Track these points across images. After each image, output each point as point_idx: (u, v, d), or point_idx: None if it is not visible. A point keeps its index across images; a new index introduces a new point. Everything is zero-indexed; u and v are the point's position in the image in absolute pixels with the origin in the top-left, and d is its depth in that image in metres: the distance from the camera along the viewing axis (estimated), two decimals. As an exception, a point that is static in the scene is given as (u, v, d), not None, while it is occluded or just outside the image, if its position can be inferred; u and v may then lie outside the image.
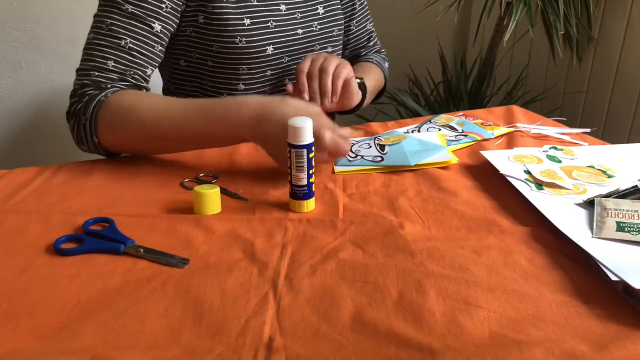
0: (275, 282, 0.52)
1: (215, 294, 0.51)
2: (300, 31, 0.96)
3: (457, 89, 2.06)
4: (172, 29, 0.87)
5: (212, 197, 0.65)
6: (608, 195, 0.65)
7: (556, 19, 1.65)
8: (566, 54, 1.83)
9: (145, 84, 0.85)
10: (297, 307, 0.49)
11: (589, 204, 0.65)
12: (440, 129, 0.91)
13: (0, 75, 1.57)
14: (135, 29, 0.81)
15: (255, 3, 0.90)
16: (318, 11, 0.99)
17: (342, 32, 1.05)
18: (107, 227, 0.62)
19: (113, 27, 0.80)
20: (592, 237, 0.58)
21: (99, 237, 0.60)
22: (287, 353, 0.44)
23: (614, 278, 0.51)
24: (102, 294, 0.51)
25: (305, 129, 0.63)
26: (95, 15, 0.83)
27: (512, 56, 2.20)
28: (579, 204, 0.65)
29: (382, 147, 0.82)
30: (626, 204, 0.61)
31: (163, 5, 0.83)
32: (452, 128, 0.92)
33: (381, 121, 0.99)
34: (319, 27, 0.99)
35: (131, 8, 0.80)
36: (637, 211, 0.60)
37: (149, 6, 0.82)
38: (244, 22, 0.88)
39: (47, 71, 1.61)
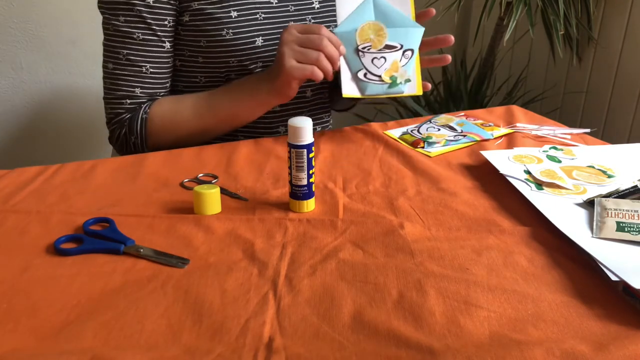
0: (275, 282, 0.52)
1: (215, 294, 0.51)
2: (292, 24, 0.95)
3: (457, 89, 2.06)
4: (173, 38, 0.91)
5: (212, 197, 0.65)
6: (608, 195, 0.65)
7: (556, 19, 1.65)
8: (566, 54, 1.83)
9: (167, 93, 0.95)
10: (297, 307, 0.49)
11: (589, 204, 0.65)
12: (439, 129, 0.92)
13: (0, 75, 1.57)
14: (151, 54, 0.88)
15: None
16: (313, 5, 0.97)
17: None
18: (107, 227, 0.62)
19: (131, 57, 0.87)
20: (592, 237, 0.58)
21: (99, 237, 0.60)
22: (287, 353, 0.44)
23: (614, 278, 0.51)
24: (102, 294, 0.51)
25: (305, 129, 0.63)
26: (107, 45, 0.88)
27: (512, 56, 2.20)
28: (579, 204, 0.65)
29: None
30: (626, 204, 0.61)
31: (166, 23, 0.87)
32: (452, 128, 0.92)
33: (381, 121, 0.99)
34: (312, 21, 0.97)
35: (142, 35, 0.86)
36: (637, 211, 0.60)
37: (157, 28, 0.86)
38: (231, 14, 0.88)
39: (47, 71, 1.61)
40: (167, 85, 0.93)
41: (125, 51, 0.86)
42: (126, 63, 0.87)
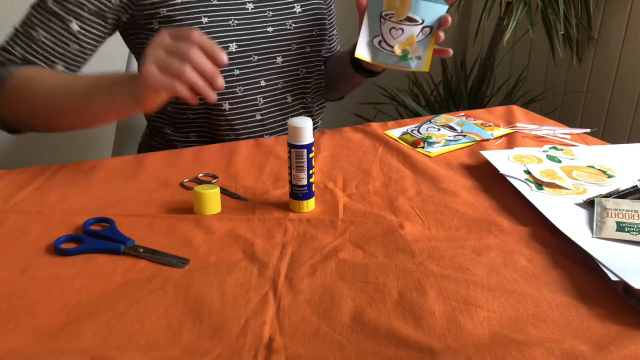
0: (275, 282, 0.52)
1: (215, 294, 0.51)
2: (270, 29, 0.92)
3: (457, 89, 2.06)
4: (95, 33, 0.87)
5: (212, 197, 0.65)
6: (608, 195, 0.65)
7: (556, 19, 1.65)
8: (566, 54, 1.83)
9: None
10: (297, 307, 0.49)
11: (589, 204, 0.65)
12: (439, 129, 0.92)
13: (0, 75, 1.56)
14: (51, 24, 0.84)
15: (215, 2, 0.88)
16: (295, 10, 0.95)
17: (325, 32, 1.01)
18: (107, 227, 0.62)
19: (32, 19, 0.85)
20: (592, 237, 0.58)
21: (99, 237, 0.60)
22: (287, 353, 0.44)
23: (614, 278, 0.51)
24: (102, 294, 0.51)
25: (305, 128, 0.63)
26: (31, 8, 0.86)
27: (512, 56, 2.20)
28: (579, 204, 0.65)
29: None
30: (626, 204, 0.61)
31: (85, 8, 0.85)
32: (452, 128, 0.92)
33: (381, 121, 0.99)
34: (293, 25, 0.95)
35: (52, 5, 0.84)
36: (637, 211, 0.60)
37: (70, 5, 0.84)
38: (201, 20, 0.87)
39: (47, 71, 1.61)
40: (56, 66, 0.85)
41: (33, 12, 0.84)
42: (26, 22, 0.85)
